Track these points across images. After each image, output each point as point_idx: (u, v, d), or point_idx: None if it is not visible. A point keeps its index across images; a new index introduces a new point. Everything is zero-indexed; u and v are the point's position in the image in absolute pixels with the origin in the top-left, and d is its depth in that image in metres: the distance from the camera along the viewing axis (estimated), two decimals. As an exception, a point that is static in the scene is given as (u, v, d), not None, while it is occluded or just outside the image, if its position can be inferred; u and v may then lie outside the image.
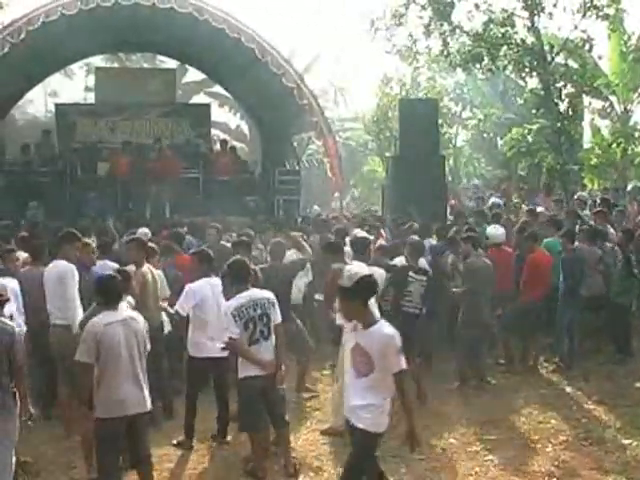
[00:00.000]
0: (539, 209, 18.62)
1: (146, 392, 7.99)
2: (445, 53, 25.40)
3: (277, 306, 9.15)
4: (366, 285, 7.17)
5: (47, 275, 10.83)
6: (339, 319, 10.65)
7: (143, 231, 15.68)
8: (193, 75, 35.03)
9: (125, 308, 8.32)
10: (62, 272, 10.71)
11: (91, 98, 29.66)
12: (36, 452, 9.84)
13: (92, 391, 7.80)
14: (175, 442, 10.26)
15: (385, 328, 7.15)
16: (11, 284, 10.39)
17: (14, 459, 8.36)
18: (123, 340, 7.76)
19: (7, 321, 8.38)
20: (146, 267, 11.20)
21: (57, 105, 28.85)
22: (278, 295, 9.60)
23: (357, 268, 8.28)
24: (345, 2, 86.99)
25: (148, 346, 8.16)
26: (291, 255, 13.07)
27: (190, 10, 21.35)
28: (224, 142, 26.99)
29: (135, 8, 21.63)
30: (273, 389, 9.01)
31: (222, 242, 14.62)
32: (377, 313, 8.20)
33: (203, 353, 10.10)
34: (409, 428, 7.33)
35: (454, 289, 13.26)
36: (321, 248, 12.62)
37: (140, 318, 8.18)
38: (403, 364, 7.02)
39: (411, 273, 11.75)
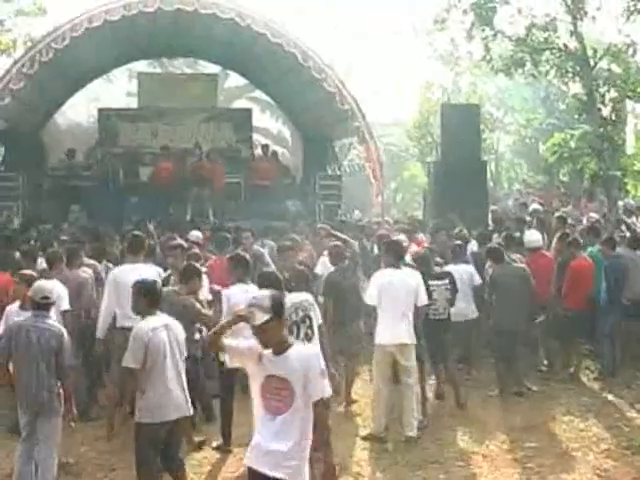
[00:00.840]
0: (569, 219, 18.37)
1: (187, 396, 8.03)
2: (487, 58, 25.38)
3: (317, 307, 9.12)
4: (281, 302, 6.16)
5: (118, 278, 10.80)
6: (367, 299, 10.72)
7: (195, 234, 15.73)
8: (235, 80, 34.97)
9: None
10: (156, 276, 10.61)
11: (133, 103, 29.74)
12: (77, 453, 9.91)
13: (135, 396, 7.85)
14: (215, 445, 10.28)
15: (305, 348, 6.60)
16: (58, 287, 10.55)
17: (57, 460, 8.47)
18: (167, 345, 7.83)
19: (55, 323, 8.51)
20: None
21: (100, 110, 29.00)
22: (347, 298, 9.62)
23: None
24: (387, 8, 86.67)
25: (185, 351, 8.19)
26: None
27: (232, 15, 21.39)
28: (266, 147, 27.01)
29: (177, 14, 21.72)
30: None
31: (256, 246, 14.60)
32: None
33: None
34: (327, 467, 7.48)
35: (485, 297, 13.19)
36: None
37: (177, 323, 8.19)
38: (328, 390, 6.16)
39: (430, 282, 11.64)
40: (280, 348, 6.00)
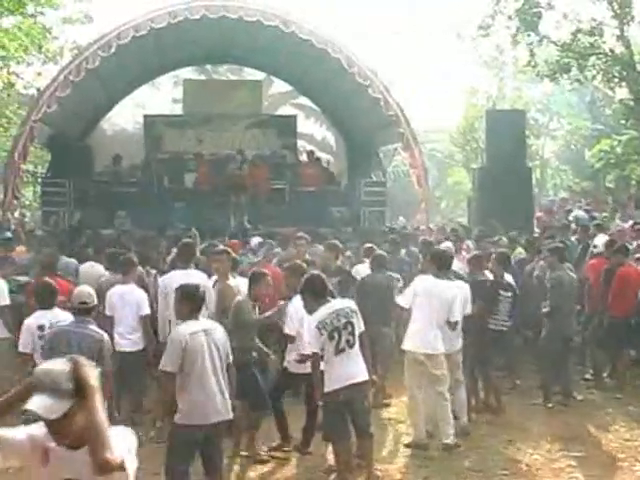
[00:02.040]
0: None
1: (228, 400, 7.99)
2: (532, 63, 25.28)
3: (359, 314, 9.10)
4: (85, 375, 4.41)
5: (168, 286, 10.74)
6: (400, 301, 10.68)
7: (255, 240, 15.77)
8: (279, 86, 35.11)
9: (205, 318, 8.39)
10: (205, 282, 10.69)
11: (178, 110, 29.96)
12: (120, 457, 9.92)
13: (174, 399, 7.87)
14: (274, 445, 10.34)
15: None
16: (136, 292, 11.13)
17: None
18: (206, 349, 7.79)
19: (95, 328, 8.57)
20: (232, 279, 11.20)
21: (145, 116, 29.23)
22: (380, 303, 9.62)
23: None
24: (431, 14, 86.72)
25: (230, 357, 8.15)
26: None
27: (276, 22, 21.49)
28: (311, 153, 27.08)
29: (222, 21, 21.85)
30: (359, 400, 8.94)
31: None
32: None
33: (299, 370, 10.00)
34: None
35: (543, 306, 13.01)
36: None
37: (220, 328, 8.19)
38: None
39: (501, 291, 11.63)
40: (78, 441, 4.14)
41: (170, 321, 10.75)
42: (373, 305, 9.76)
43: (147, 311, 11.06)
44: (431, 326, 10.29)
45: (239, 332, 9.90)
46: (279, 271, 12.36)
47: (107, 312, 11.13)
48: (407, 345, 10.46)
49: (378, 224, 23.92)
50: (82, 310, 8.64)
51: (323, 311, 8.83)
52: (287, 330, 10.15)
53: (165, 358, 7.81)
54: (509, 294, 11.92)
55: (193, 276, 10.72)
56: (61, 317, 9.24)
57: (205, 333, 7.85)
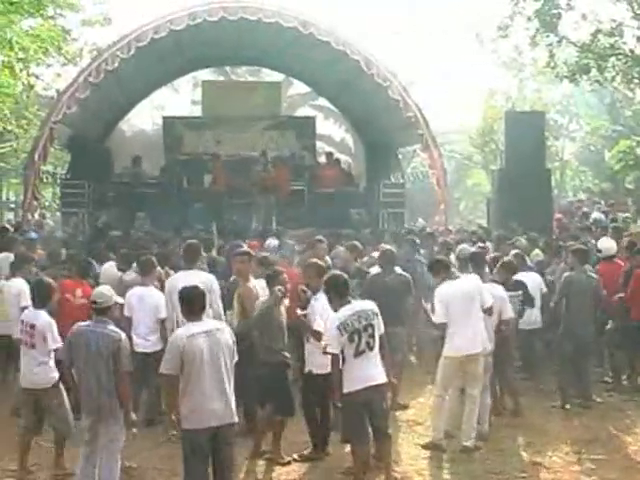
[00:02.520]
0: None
1: (232, 403, 7.89)
2: (551, 64, 25.20)
3: (380, 316, 9.09)
4: None
5: (172, 286, 10.84)
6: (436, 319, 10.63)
7: (272, 242, 15.78)
8: (298, 88, 35.20)
9: (209, 319, 8.38)
10: (209, 282, 10.72)
11: (197, 111, 30.12)
12: (140, 457, 9.97)
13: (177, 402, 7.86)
14: (305, 453, 10.26)
15: None
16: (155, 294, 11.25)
17: (119, 463, 8.55)
18: (207, 351, 7.71)
19: (113, 328, 8.60)
20: (253, 281, 11.19)
21: (164, 118, 29.36)
22: (393, 302, 9.63)
23: None
24: (450, 15, 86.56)
25: (236, 357, 8.07)
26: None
27: (295, 24, 21.50)
28: (329, 155, 27.09)
29: (241, 23, 21.87)
30: (378, 401, 8.94)
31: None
32: None
33: (323, 370, 9.83)
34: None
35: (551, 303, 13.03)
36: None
37: (227, 329, 8.13)
38: None
39: (510, 292, 11.59)
40: None
41: (177, 321, 10.82)
42: (381, 304, 9.70)
43: (165, 314, 11.07)
44: (470, 326, 10.30)
45: (269, 333, 10.02)
46: (296, 272, 12.30)
47: (125, 313, 11.17)
48: (450, 350, 10.43)
49: (397, 225, 23.87)
50: (98, 310, 8.67)
51: (344, 312, 8.85)
52: (316, 326, 9.97)
53: (164, 361, 7.79)
54: (518, 293, 11.91)
55: (197, 276, 10.75)
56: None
57: (207, 335, 7.77)
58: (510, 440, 10.82)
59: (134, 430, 8.81)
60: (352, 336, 8.75)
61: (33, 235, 18.35)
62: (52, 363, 9.49)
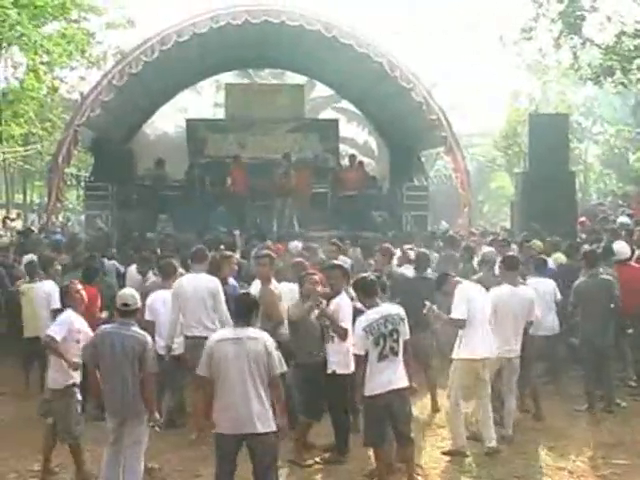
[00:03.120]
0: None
1: (259, 413, 7.72)
2: (575, 66, 25.12)
3: (406, 322, 9.07)
4: None
5: (179, 289, 10.98)
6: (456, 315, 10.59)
7: (294, 244, 15.79)
8: (321, 90, 35.22)
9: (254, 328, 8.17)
10: (213, 286, 10.85)
11: (220, 114, 30.19)
12: (162, 459, 9.99)
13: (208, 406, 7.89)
14: (327, 457, 10.20)
15: None
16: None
17: (142, 464, 8.58)
18: (232, 358, 7.67)
19: (139, 330, 8.64)
20: (274, 283, 11.17)
21: (188, 120, 29.42)
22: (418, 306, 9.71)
23: None
24: (474, 18, 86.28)
25: (281, 367, 7.94)
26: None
27: (318, 27, 21.52)
28: (353, 157, 27.05)
29: (264, 25, 21.92)
30: (400, 405, 8.93)
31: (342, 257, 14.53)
32: None
33: (346, 370, 9.84)
34: None
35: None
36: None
37: (264, 338, 7.89)
38: None
39: None
40: None
41: (181, 324, 10.94)
42: (408, 308, 9.70)
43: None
44: (488, 331, 10.29)
45: (302, 334, 10.10)
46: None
47: (147, 317, 11.16)
48: (467, 353, 10.38)
49: (421, 228, 23.82)
50: (125, 312, 8.70)
51: (371, 315, 8.89)
52: (344, 324, 9.93)
53: (199, 363, 7.91)
54: None
55: (201, 279, 10.96)
56: None
57: (235, 342, 7.74)
58: (533, 444, 10.77)
59: (157, 429, 8.86)
60: (377, 339, 8.78)
61: (59, 237, 18.43)
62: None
